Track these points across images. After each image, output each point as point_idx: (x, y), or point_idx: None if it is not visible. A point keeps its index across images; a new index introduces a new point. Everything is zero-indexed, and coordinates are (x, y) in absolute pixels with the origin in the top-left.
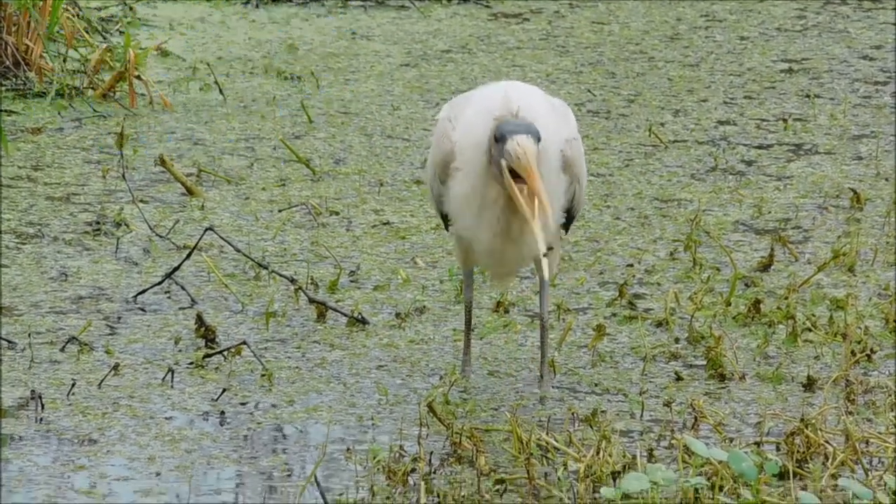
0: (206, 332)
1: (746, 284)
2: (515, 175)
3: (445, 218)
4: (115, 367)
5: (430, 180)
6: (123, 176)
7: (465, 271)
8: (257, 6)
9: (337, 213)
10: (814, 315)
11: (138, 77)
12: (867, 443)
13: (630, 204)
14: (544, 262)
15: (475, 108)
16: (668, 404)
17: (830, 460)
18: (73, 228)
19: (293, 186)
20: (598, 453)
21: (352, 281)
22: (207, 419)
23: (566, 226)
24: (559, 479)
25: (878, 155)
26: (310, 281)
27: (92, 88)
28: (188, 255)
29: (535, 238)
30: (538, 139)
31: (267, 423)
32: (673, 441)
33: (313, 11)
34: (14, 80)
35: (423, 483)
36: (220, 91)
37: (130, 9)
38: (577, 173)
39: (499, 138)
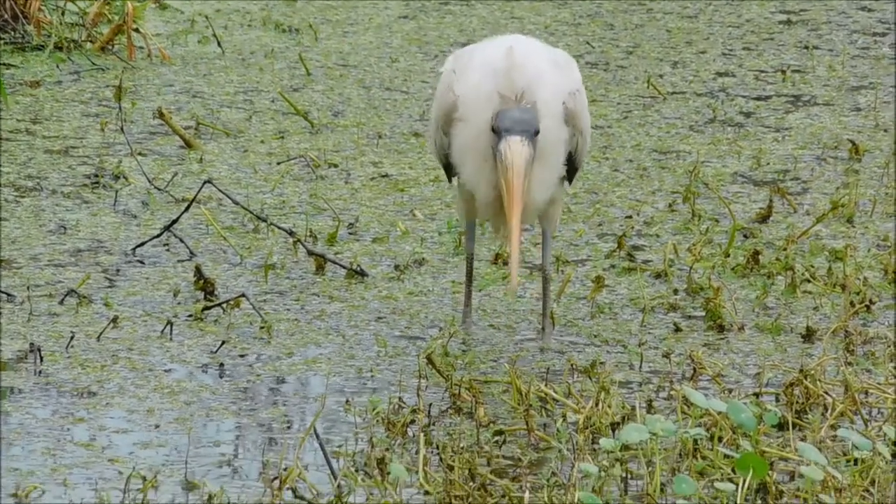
0: (204, 285)
1: (745, 236)
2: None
3: (448, 169)
4: (114, 319)
5: (433, 131)
6: (122, 129)
7: (466, 224)
8: None
9: (335, 166)
10: (812, 266)
11: (136, 30)
12: (866, 393)
13: (629, 156)
14: (513, 280)
15: (478, 62)
16: (666, 355)
17: (829, 411)
18: (72, 181)
19: (291, 139)
20: (597, 404)
21: (350, 233)
22: (206, 371)
23: (569, 178)
24: (558, 430)
25: (877, 106)
26: (308, 233)
27: (90, 41)
28: (187, 208)
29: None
30: (535, 132)
31: (266, 376)
32: (672, 392)
33: None
34: (12, 33)
35: (422, 434)
36: (219, 44)
37: None
38: (580, 126)
39: (495, 130)
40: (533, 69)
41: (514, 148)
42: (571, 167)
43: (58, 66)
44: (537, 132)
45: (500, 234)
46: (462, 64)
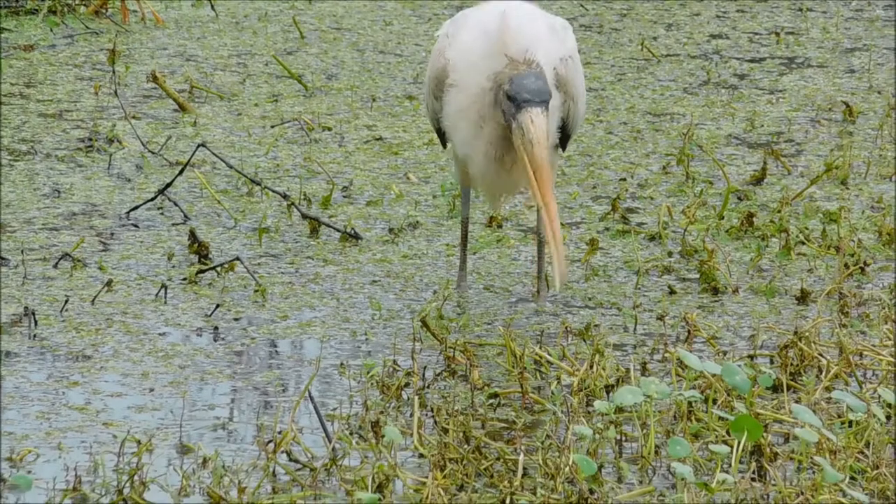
0: (199, 248)
1: (739, 198)
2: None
3: (442, 135)
4: (109, 283)
5: (426, 96)
6: (116, 92)
7: (462, 188)
8: None
9: (329, 129)
10: (807, 228)
11: None
12: (861, 355)
13: (623, 118)
14: (555, 279)
15: (472, 26)
16: (661, 318)
17: (824, 373)
18: (66, 145)
19: (285, 102)
20: (591, 367)
21: (344, 196)
22: (201, 335)
23: (562, 144)
24: (553, 392)
25: (871, 68)
26: (302, 196)
27: (84, 5)
28: (181, 171)
29: (550, 248)
30: (548, 103)
31: (260, 339)
32: (666, 354)
33: None
34: None
35: (416, 397)
36: (212, 7)
37: None
38: (573, 93)
39: (512, 97)
40: (526, 33)
41: (538, 121)
42: (564, 134)
43: (51, 30)
44: (548, 102)
45: (497, 204)
46: (456, 29)
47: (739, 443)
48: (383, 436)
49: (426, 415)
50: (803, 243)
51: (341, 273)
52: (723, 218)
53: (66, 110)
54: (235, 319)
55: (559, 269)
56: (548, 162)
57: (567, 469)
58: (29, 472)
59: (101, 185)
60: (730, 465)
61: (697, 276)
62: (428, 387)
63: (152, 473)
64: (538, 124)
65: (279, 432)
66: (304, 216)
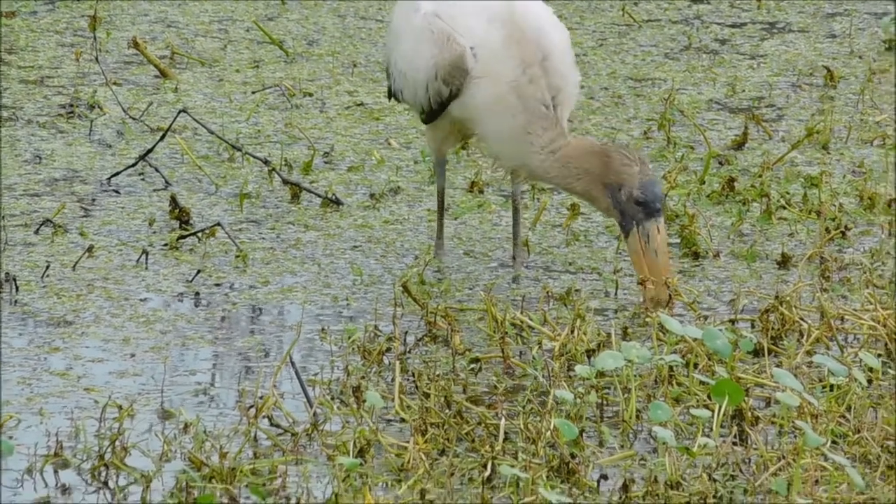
0: (180, 214)
1: (720, 163)
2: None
3: (433, 113)
4: (90, 248)
5: (426, 79)
6: (97, 59)
7: (437, 159)
8: None
9: (310, 95)
10: (788, 193)
11: None
12: (842, 320)
13: (604, 83)
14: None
15: (475, 13)
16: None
17: (805, 337)
18: (47, 111)
19: (266, 68)
20: (572, 332)
21: (326, 162)
22: (182, 300)
23: None
24: (534, 357)
25: (852, 33)
26: (283, 162)
27: None
28: (162, 137)
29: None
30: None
31: (242, 304)
32: (647, 319)
33: None
34: None
35: (398, 363)
36: None
37: None
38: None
39: (643, 204)
40: (534, 13)
41: (664, 231)
42: None
43: None
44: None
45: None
46: (450, 9)
47: (721, 407)
48: (364, 401)
49: (407, 380)
50: (784, 208)
51: (322, 238)
52: (704, 183)
53: (48, 76)
54: (217, 285)
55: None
56: (672, 270)
57: (548, 433)
58: (10, 437)
59: (83, 152)
60: (711, 430)
61: (679, 240)
62: (409, 352)
63: (133, 438)
64: (664, 235)
65: (260, 397)
66: (286, 182)
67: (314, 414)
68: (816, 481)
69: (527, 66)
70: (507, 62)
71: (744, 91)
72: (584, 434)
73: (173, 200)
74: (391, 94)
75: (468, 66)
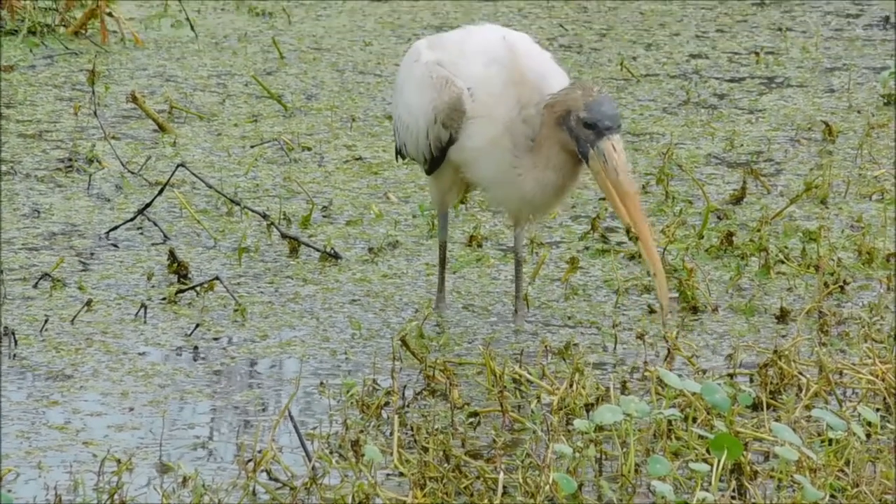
0: (178, 268)
1: (719, 217)
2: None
3: (435, 162)
4: (88, 302)
5: (426, 126)
6: (95, 113)
7: (440, 212)
8: None
9: (309, 149)
10: (786, 247)
11: (110, 14)
12: (841, 374)
13: None
14: (664, 304)
15: (475, 54)
16: (640, 337)
17: (804, 391)
18: (46, 165)
19: (265, 122)
20: (571, 386)
21: (324, 216)
22: (181, 354)
23: None
24: (532, 411)
25: (850, 87)
26: (282, 216)
27: (64, 26)
28: (160, 191)
29: (656, 276)
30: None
31: (240, 358)
32: (646, 373)
33: None
34: None
35: (396, 416)
36: (192, 27)
37: None
38: None
39: (591, 125)
40: (536, 57)
41: (620, 147)
42: None
43: (31, 51)
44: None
45: (520, 226)
46: (451, 56)
47: (719, 461)
48: (363, 455)
49: (406, 434)
50: (783, 262)
51: (321, 292)
52: (702, 237)
53: (46, 130)
54: (215, 339)
55: (662, 291)
56: (634, 187)
57: (547, 488)
58: (9, 491)
59: (81, 205)
60: (710, 484)
61: (677, 294)
62: (408, 406)
63: (132, 492)
64: (620, 150)
65: (259, 451)
66: (284, 236)
67: (313, 468)
68: None
69: (523, 106)
70: (505, 103)
71: (742, 145)
72: (582, 488)
73: (172, 254)
74: (398, 152)
75: (465, 108)
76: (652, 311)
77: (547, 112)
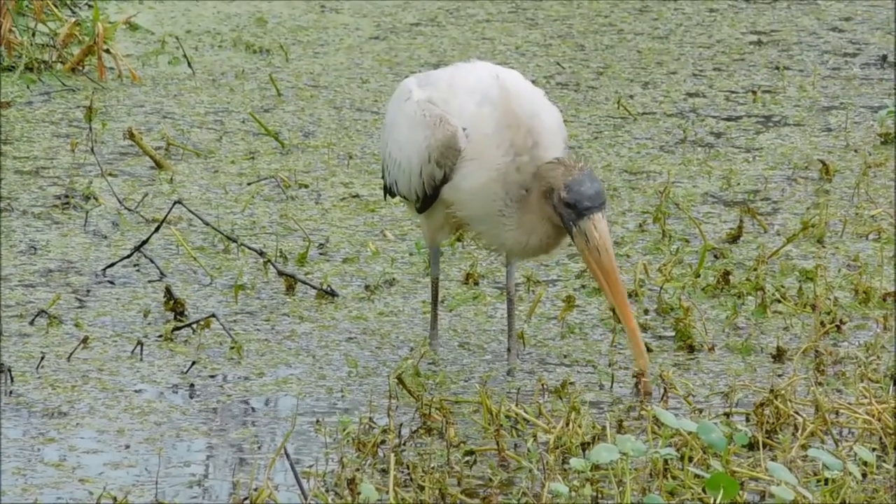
0: (174, 305)
1: (715, 256)
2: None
3: (428, 200)
4: (85, 339)
5: (420, 164)
6: (92, 149)
7: (431, 248)
8: None
9: (306, 186)
10: (783, 286)
11: (107, 51)
12: (837, 413)
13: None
14: (648, 390)
15: (468, 93)
16: (637, 376)
17: (800, 431)
18: (42, 202)
19: (262, 159)
20: (567, 424)
21: (321, 253)
22: (177, 392)
23: None
24: (529, 450)
25: (848, 126)
26: (279, 254)
27: (61, 62)
28: (157, 229)
29: (635, 345)
30: (605, 204)
31: (236, 396)
32: (642, 412)
33: None
34: None
35: (392, 455)
36: (189, 64)
37: None
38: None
39: (571, 205)
40: (527, 96)
41: (601, 227)
42: None
43: (28, 87)
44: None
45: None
46: (441, 94)
47: (715, 500)
48: (359, 493)
49: (402, 472)
50: (779, 301)
51: (317, 330)
52: (699, 276)
53: (43, 167)
54: (211, 376)
55: (645, 373)
56: (615, 267)
57: None
58: None
59: (78, 242)
60: None
61: (673, 333)
62: (404, 444)
63: None
64: (602, 231)
65: (255, 489)
66: (281, 273)
67: None
68: None
69: (517, 153)
70: (498, 147)
71: (739, 184)
72: None
73: (168, 292)
74: (387, 190)
75: (460, 146)
76: (648, 350)
77: (536, 182)
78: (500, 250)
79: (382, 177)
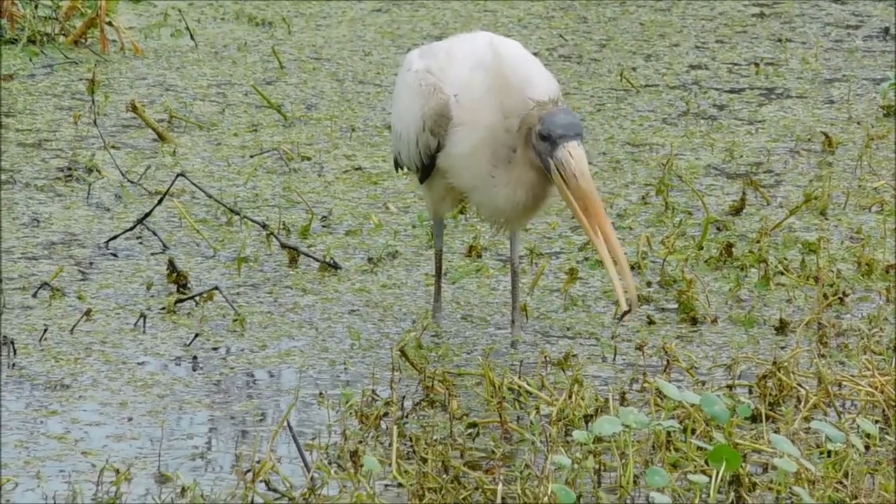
0: (177, 278)
1: (718, 228)
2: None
3: (426, 169)
4: (87, 312)
5: (416, 133)
6: (95, 122)
7: (435, 220)
8: None
9: (309, 159)
10: (786, 258)
11: (109, 23)
12: (840, 385)
13: (602, 148)
14: (622, 305)
15: (462, 60)
16: (640, 348)
17: (803, 403)
18: (45, 174)
19: (265, 132)
20: (570, 397)
21: (324, 226)
22: (180, 364)
23: None
24: (531, 422)
25: (850, 98)
26: (282, 226)
27: (63, 35)
28: (160, 201)
29: (611, 275)
30: (582, 136)
31: (239, 368)
32: (645, 384)
33: None
34: None
35: (395, 427)
36: (192, 37)
37: None
38: None
39: (545, 136)
40: (522, 62)
41: (577, 153)
42: None
43: (31, 60)
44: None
45: (500, 231)
46: (439, 62)
47: (718, 472)
48: (362, 465)
49: (405, 444)
50: (782, 273)
51: (320, 303)
52: (702, 248)
53: (46, 140)
54: (214, 349)
55: (630, 289)
56: (596, 192)
57: (546, 499)
58: (8, 501)
59: (80, 215)
60: (708, 495)
61: (676, 306)
62: (407, 416)
63: (131, 502)
64: (577, 156)
65: (258, 461)
66: (283, 246)
67: (311, 478)
68: None
69: (507, 115)
70: (488, 109)
71: (742, 157)
72: (581, 499)
73: (171, 264)
74: (395, 163)
75: (452, 114)
76: (651, 322)
77: (520, 135)
78: (497, 217)
79: (392, 150)
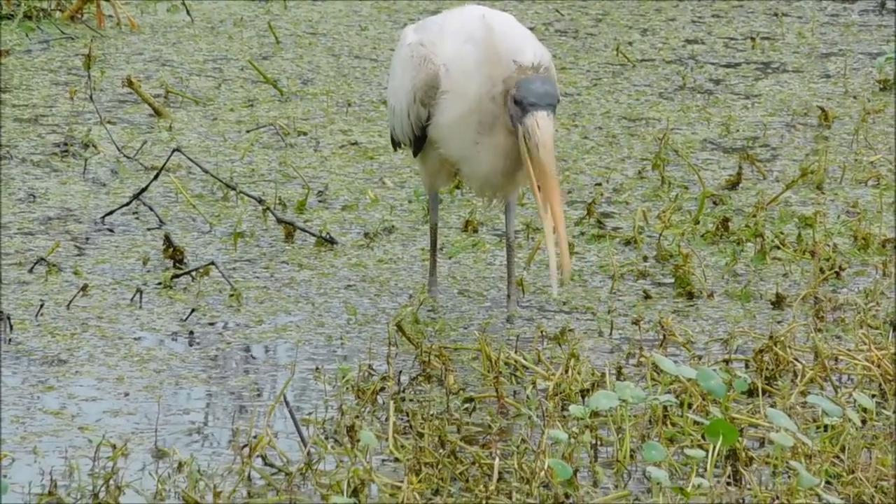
0: (174, 253)
1: (715, 202)
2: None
3: (418, 142)
4: (84, 287)
5: (407, 105)
6: (91, 97)
7: (430, 194)
8: None
9: (305, 134)
10: (782, 233)
11: None
12: (836, 360)
13: (598, 123)
14: (554, 281)
15: (454, 33)
16: (636, 322)
17: (799, 377)
18: (41, 150)
19: (261, 107)
20: (566, 371)
21: (320, 201)
22: (176, 339)
23: None
24: (528, 397)
25: (846, 73)
26: (278, 201)
27: (60, 10)
28: (156, 176)
29: (548, 250)
30: (555, 107)
31: (236, 343)
32: (641, 359)
33: None
34: None
35: (392, 402)
36: (188, 12)
37: None
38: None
39: (518, 101)
40: (513, 36)
41: (543, 124)
42: None
43: (27, 35)
44: (558, 102)
45: (490, 204)
46: (431, 36)
47: (715, 447)
48: (359, 440)
49: (401, 419)
50: (778, 248)
51: (316, 277)
52: (698, 223)
53: (42, 115)
54: (211, 324)
55: (565, 267)
56: (553, 166)
57: (542, 473)
58: (4, 476)
59: (77, 190)
60: (705, 470)
61: (673, 280)
62: (403, 391)
63: (127, 478)
64: (544, 127)
65: (254, 437)
66: (280, 221)
67: (308, 453)
68: None
69: (494, 83)
70: (477, 80)
71: (738, 131)
72: (578, 474)
73: (167, 239)
74: (392, 139)
75: (441, 83)
76: (648, 297)
77: (501, 96)
78: (484, 186)
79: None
